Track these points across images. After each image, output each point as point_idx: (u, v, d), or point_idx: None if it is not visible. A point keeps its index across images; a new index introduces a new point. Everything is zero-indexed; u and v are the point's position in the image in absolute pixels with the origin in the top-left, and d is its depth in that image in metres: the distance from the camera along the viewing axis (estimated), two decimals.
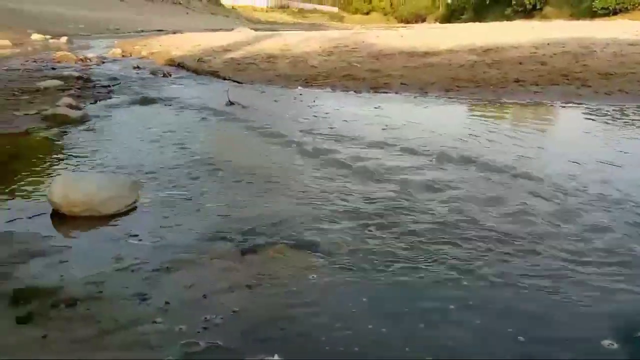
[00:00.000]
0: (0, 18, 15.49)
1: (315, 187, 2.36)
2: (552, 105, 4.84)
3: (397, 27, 32.14)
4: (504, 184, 2.42)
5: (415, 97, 5.25)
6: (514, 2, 34.78)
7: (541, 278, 1.51)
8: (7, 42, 9.58)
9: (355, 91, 5.60)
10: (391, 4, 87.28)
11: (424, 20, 66.51)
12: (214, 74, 6.62)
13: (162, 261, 1.56)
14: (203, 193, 2.25)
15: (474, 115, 4.54)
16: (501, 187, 2.36)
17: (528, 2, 33.87)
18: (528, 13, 33.21)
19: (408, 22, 63.82)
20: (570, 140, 3.67)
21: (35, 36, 11.60)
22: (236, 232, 1.83)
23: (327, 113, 4.26)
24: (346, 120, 3.97)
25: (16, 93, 4.42)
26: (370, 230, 1.89)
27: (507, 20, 26.75)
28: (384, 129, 3.67)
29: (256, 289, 1.46)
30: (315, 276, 1.54)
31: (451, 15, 48.34)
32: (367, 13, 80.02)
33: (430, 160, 2.82)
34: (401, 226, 1.90)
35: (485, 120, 4.28)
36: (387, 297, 1.43)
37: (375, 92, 5.61)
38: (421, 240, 1.77)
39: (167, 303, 1.34)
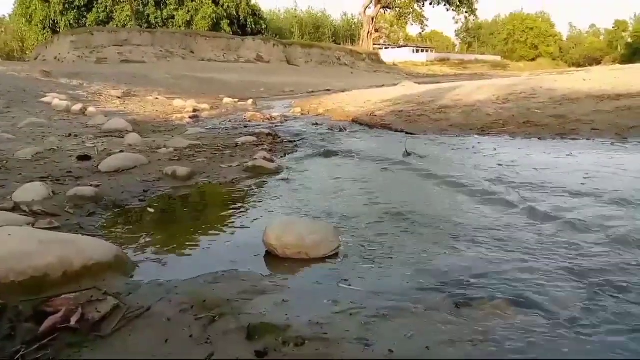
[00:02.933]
0: (200, 87, 18.24)
1: (519, 239, 2.18)
2: None
3: (571, 70, 29.79)
4: None
5: (612, 144, 4.68)
6: None
7: None
8: (206, 106, 11.16)
9: (539, 138, 5.22)
10: (560, 49, 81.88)
11: (598, 63, 60.82)
12: (387, 127, 6.78)
13: (378, 307, 1.55)
14: (399, 241, 2.24)
15: None
16: None
17: None
18: None
19: (580, 66, 58.88)
20: None
21: (226, 100, 13.30)
22: (445, 283, 1.76)
23: (512, 161, 4.01)
24: (536, 169, 3.68)
25: (220, 148, 5.04)
26: (596, 292, 1.66)
27: None
28: (585, 178, 3.31)
29: (479, 346, 1.35)
30: (538, 338, 1.38)
31: (633, 55, 43.40)
32: (533, 59, 76.02)
33: None
34: (630, 289, 1.64)
35: None
36: None
37: (562, 138, 5.16)
38: None
39: (390, 351, 1.31)
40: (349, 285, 1.76)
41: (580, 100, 6.67)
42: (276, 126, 7.25)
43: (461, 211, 2.68)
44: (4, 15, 53.07)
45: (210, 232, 2.51)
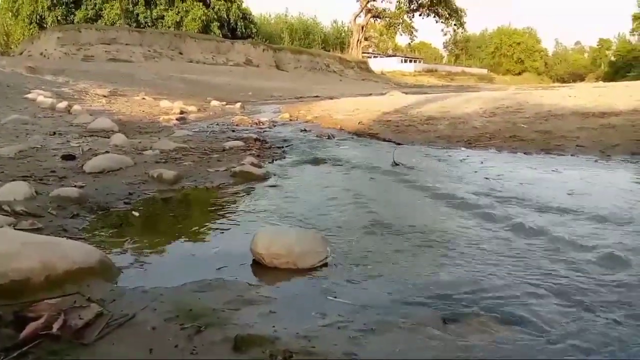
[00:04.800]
0: (188, 88, 18.12)
1: (507, 254, 2.20)
2: None
3: (556, 86, 30.28)
4: None
5: (596, 161, 4.76)
6: None
7: None
8: (193, 108, 11.07)
9: (524, 153, 5.29)
10: (545, 64, 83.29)
11: (582, 80, 62.07)
12: (374, 136, 6.80)
13: (366, 322, 1.54)
14: (387, 253, 2.23)
15: None
16: None
17: None
18: None
19: (564, 82, 60.04)
20: None
21: (214, 103, 13.22)
22: (432, 297, 1.76)
23: (498, 175, 4.05)
24: (522, 183, 3.72)
25: (207, 152, 5.00)
26: (583, 309, 1.68)
27: None
28: (569, 194, 3.36)
29: None
30: (525, 355, 1.40)
31: (616, 73, 44.41)
32: (519, 73, 77.19)
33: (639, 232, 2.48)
34: (617, 308, 1.66)
35: None
36: None
37: (547, 153, 5.24)
38: None
39: None
40: (336, 297, 1.75)
41: (566, 117, 6.78)
42: (264, 131, 7.23)
43: (449, 224, 2.69)
44: None
45: (197, 238, 2.49)
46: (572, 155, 5.10)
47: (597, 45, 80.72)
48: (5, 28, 44.42)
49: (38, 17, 38.10)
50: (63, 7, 37.50)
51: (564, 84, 41.63)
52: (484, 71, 72.94)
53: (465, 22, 50.58)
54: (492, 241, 2.38)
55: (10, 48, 41.21)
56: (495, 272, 1.99)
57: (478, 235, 2.49)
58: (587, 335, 1.50)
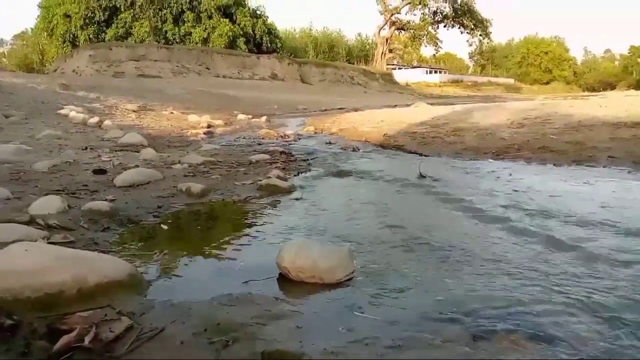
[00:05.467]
0: (214, 102, 18.43)
1: (537, 269, 2.14)
2: None
3: (586, 95, 29.65)
4: None
5: (629, 172, 4.63)
6: None
7: None
8: (220, 122, 11.25)
9: (554, 164, 5.18)
10: (574, 73, 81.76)
11: (613, 88, 60.59)
12: (400, 148, 6.77)
13: (393, 338, 1.52)
14: (414, 268, 2.21)
15: None
16: None
17: None
18: None
19: (594, 91, 58.73)
20: None
21: (240, 116, 13.40)
22: (460, 312, 1.72)
23: (528, 187, 3.97)
24: (552, 196, 3.64)
25: (234, 165, 5.06)
26: (617, 328, 1.62)
27: None
28: (602, 207, 3.27)
29: None
30: None
31: None
32: (547, 83, 75.96)
33: None
34: None
35: None
36: None
37: (578, 165, 5.12)
38: None
39: None
40: (363, 313, 1.73)
41: (597, 127, 6.62)
42: (290, 144, 7.28)
43: (478, 238, 2.65)
44: (26, 29, 54.31)
45: (224, 251, 2.50)
46: (604, 166, 4.97)
47: (629, 53, 78.77)
48: (41, 47, 46.21)
49: (71, 36, 39.52)
50: (95, 26, 38.82)
51: (594, 93, 40.73)
52: (511, 81, 72.04)
53: (490, 33, 50.21)
54: (522, 256, 2.33)
55: (45, 66, 42.79)
56: (525, 288, 1.95)
57: (508, 249, 2.44)
58: (622, 356, 1.44)
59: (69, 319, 1.56)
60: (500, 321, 1.65)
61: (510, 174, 4.64)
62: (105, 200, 3.26)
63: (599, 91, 52.11)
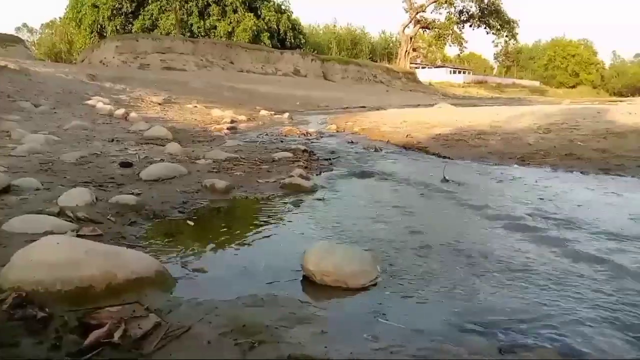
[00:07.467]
0: (237, 97, 18.55)
1: (565, 282, 2.11)
2: None
3: (614, 100, 29.01)
4: None
5: None
6: None
7: None
8: (243, 117, 11.32)
9: (581, 172, 5.08)
10: (602, 77, 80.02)
11: None
12: (423, 150, 6.72)
13: (419, 347, 1.51)
14: (439, 275, 2.19)
15: None
16: None
17: None
18: None
19: (622, 96, 57.41)
20: None
21: (263, 112, 13.47)
22: (486, 324, 1.70)
23: (555, 195, 3.91)
24: (580, 205, 3.57)
25: (257, 162, 5.08)
26: None
27: None
28: (631, 219, 3.20)
29: None
30: None
31: None
32: (573, 86, 74.52)
33: None
34: None
35: None
36: None
37: (606, 174, 5.01)
38: None
39: None
40: (387, 320, 1.72)
41: (625, 135, 6.47)
42: (312, 142, 7.28)
43: (503, 248, 2.61)
44: (55, 18, 55.34)
45: (248, 250, 2.52)
46: (632, 176, 4.85)
47: None
48: (69, 37, 47.05)
49: (99, 26, 40.13)
50: (122, 17, 39.34)
51: (621, 98, 39.80)
52: (536, 83, 70.90)
53: (517, 34, 49.48)
54: (549, 267, 2.29)
55: (72, 55, 43.57)
56: (553, 300, 1.92)
57: (534, 260, 2.40)
58: None
59: (98, 314, 1.59)
60: (527, 334, 1.63)
61: (536, 181, 4.56)
62: (132, 194, 3.31)
63: (627, 96, 50.93)
